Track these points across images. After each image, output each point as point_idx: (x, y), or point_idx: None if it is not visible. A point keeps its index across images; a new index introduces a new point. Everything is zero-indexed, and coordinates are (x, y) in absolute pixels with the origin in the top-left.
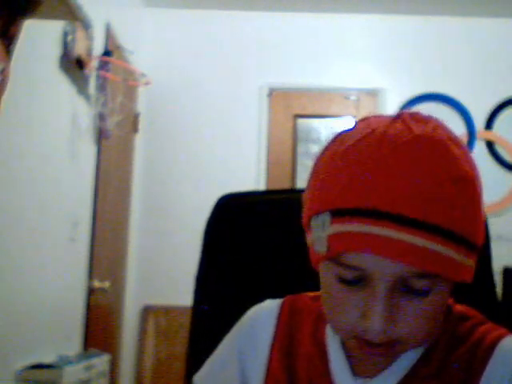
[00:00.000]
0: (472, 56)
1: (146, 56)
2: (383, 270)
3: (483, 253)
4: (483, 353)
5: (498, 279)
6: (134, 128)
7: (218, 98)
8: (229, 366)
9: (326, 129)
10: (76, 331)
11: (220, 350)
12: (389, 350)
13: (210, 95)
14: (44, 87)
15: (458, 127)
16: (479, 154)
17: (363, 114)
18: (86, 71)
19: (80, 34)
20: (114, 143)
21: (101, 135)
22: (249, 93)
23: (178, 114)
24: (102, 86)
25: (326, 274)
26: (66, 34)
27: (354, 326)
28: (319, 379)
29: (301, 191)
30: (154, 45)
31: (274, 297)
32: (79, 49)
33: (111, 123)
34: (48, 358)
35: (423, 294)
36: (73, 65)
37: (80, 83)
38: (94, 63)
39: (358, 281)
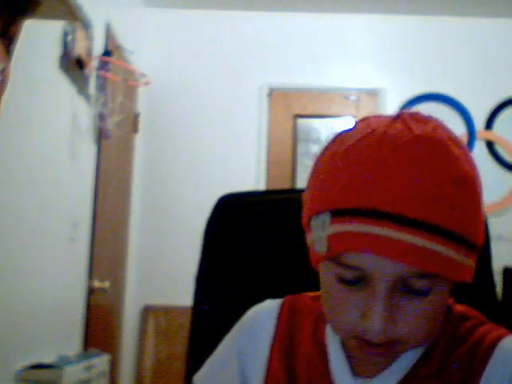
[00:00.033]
0: (472, 56)
1: (145, 56)
2: (383, 270)
3: (483, 253)
4: (483, 353)
5: (498, 279)
6: (134, 128)
7: (217, 98)
8: (229, 365)
9: (326, 129)
10: (76, 331)
11: (220, 350)
12: (389, 350)
13: (209, 95)
14: (44, 87)
15: (457, 127)
16: (479, 154)
17: (363, 114)
18: (86, 71)
19: (80, 34)
20: (113, 143)
21: (101, 135)
22: (249, 93)
23: (177, 114)
24: (102, 86)
25: (326, 273)
26: (66, 34)
27: (353, 326)
28: (319, 379)
29: (301, 191)
30: (154, 45)
31: (273, 297)
32: (79, 49)
33: (111, 123)
34: (48, 358)
35: (423, 293)
36: (73, 65)
37: (80, 83)
38: (94, 63)
39: (358, 281)
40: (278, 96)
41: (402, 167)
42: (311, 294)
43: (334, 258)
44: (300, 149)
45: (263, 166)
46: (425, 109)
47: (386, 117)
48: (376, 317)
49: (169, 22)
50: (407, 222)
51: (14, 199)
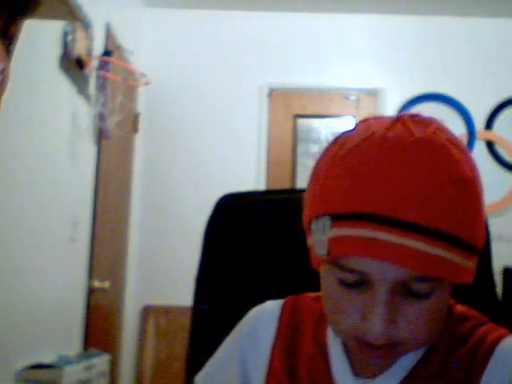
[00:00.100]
0: (472, 56)
1: (145, 56)
2: (384, 273)
3: (483, 253)
4: (483, 353)
5: (498, 279)
6: (134, 128)
7: (217, 98)
8: (230, 366)
9: (325, 129)
10: (76, 331)
11: (221, 350)
12: (389, 352)
13: (209, 95)
14: (44, 87)
15: (458, 127)
16: (479, 154)
17: (363, 114)
18: (86, 71)
19: (80, 34)
20: (113, 143)
21: (101, 135)
22: (249, 93)
23: (177, 114)
24: (102, 86)
25: (327, 276)
26: (65, 34)
27: (354, 329)
28: (321, 380)
29: (301, 191)
30: (154, 45)
31: (274, 297)
32: (79, 49)
33: (111, 123)
34: (48, 358)
35: (424, 296)
36: (73, 65)
37: (80, 83)
38: (93, 63)
39: (359, 284)
40: (277, 96)
41: (403, 171)
42: (312, 294)
43: (334, 261)
44: (300, 149)
45: (263, 165)
46: (425, 109)
47: (387, 118)
48: (376, 319)
49: (169, 22)
50: (408, 227)
51: (14, 199)
